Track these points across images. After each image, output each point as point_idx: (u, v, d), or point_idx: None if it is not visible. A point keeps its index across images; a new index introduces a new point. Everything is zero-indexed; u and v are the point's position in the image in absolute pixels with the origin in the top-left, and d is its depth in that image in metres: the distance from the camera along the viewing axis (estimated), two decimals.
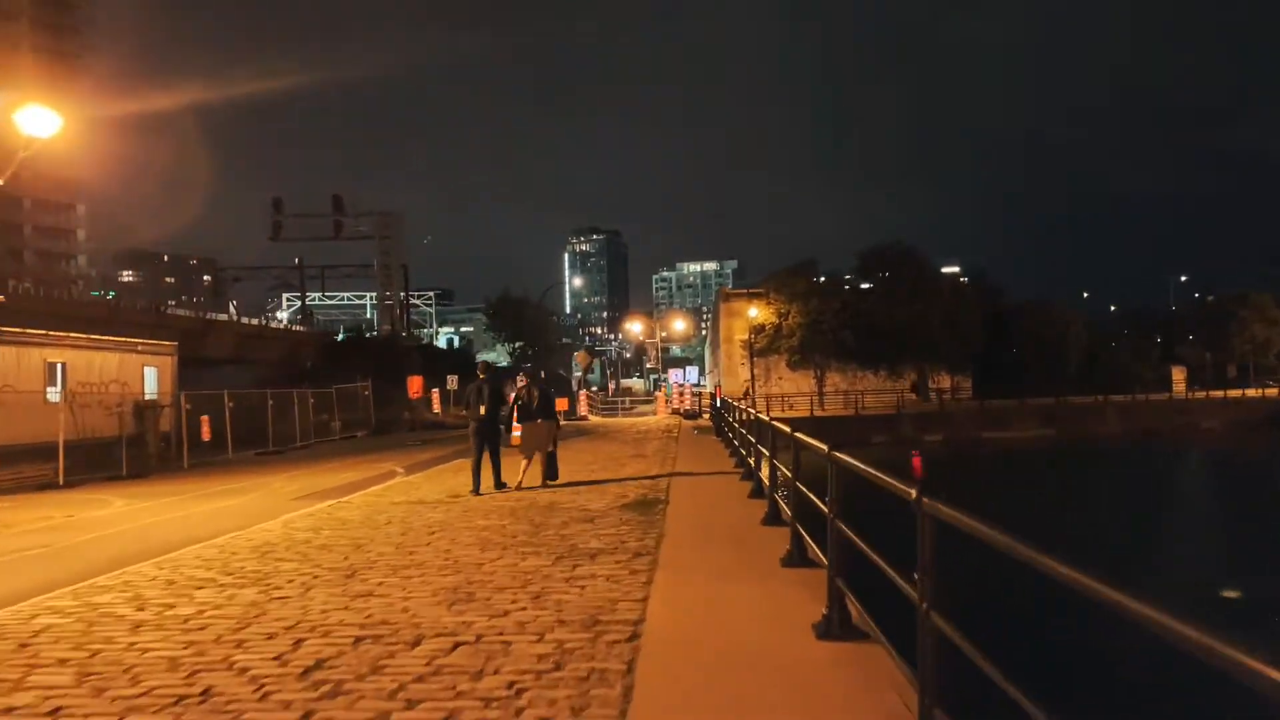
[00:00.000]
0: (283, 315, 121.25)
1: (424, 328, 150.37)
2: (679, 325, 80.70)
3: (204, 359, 51.35)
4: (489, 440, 13.02)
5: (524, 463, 13.15)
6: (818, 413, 48.65)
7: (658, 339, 61.69)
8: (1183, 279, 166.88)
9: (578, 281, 72.08)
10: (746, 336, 60.79)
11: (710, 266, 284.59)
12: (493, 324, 76.75)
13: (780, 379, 63.11)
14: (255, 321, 55.27)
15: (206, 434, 31.19)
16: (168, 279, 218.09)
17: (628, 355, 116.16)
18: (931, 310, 57.57)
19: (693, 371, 35.79)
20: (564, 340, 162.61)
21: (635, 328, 70.10)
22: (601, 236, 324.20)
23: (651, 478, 13.81)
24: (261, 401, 31.36)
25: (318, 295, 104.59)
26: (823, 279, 60.04)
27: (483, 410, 12.86)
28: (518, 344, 73.88)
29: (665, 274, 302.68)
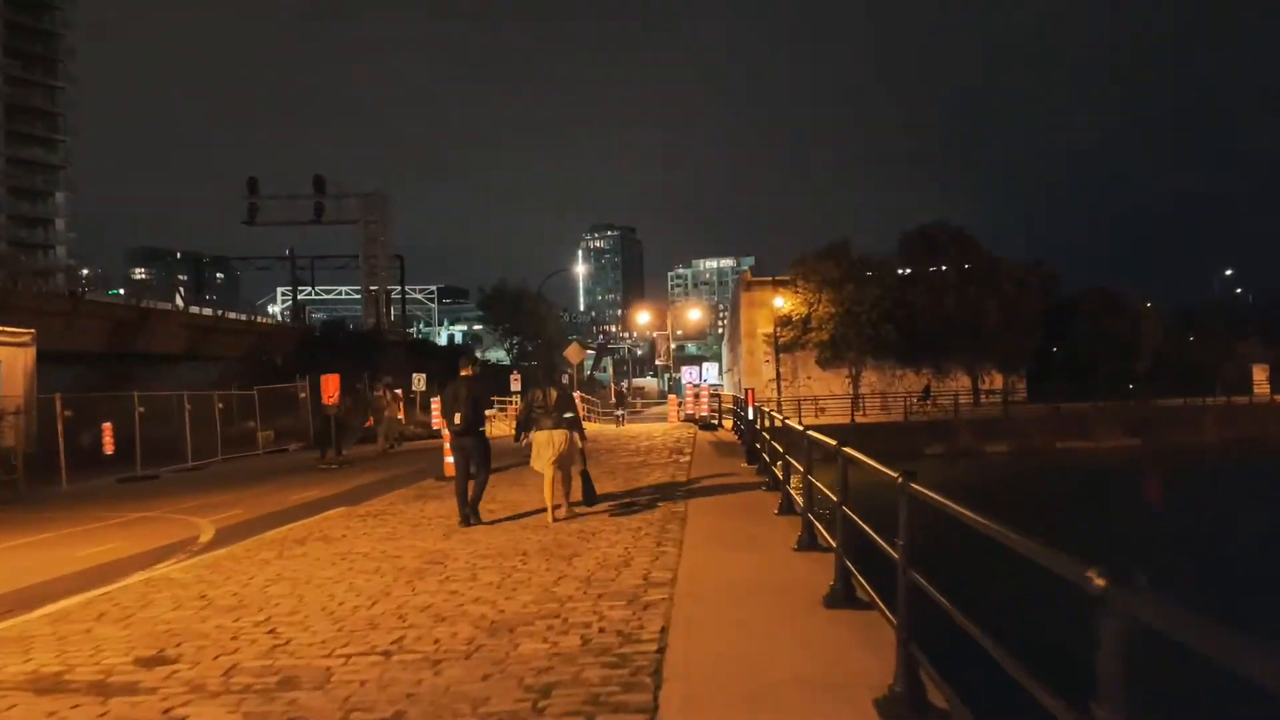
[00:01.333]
0: (275, 309, 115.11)
1: (429, 325, 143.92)
2: (694, 315, 72.77)
3: (146, 355, 44.56)
4: (473, 455, 10.17)
5: (548, 483, 10.06)
6: (858, 418, 41.28)
7: (669, 330, 54.03)
8: (1228, 273, 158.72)
9: (581, 269, 64.44)
10: (771, 330, 53.42)
11: (727, 263, 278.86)
12: (487, 316, 69.80)
13: (808, 379, 55.69)
14: (209, 312, 48.35)
15: (109, 446, 24.52)
16: (180, 276, 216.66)
17: (640, 352, 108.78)
18: (987, 299, 50.02)
19: (711, 369, 28.29)
20: (572, 337, 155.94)
21: (644, 318, 62.59)
22: (616, 233, 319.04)
23: (631, 589, 6.53)
24: (165, 406, 24.54)
25: (311, 289, 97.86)
26: (858, 263, 52.45)
27: (458, 418, 10.11)
28: (515, 339, 66.85)
29: (681, 271, 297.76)
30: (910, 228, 55.60)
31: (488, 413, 31.34)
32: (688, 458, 17.43)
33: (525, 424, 10.22)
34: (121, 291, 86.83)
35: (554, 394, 10.12)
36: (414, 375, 32.92)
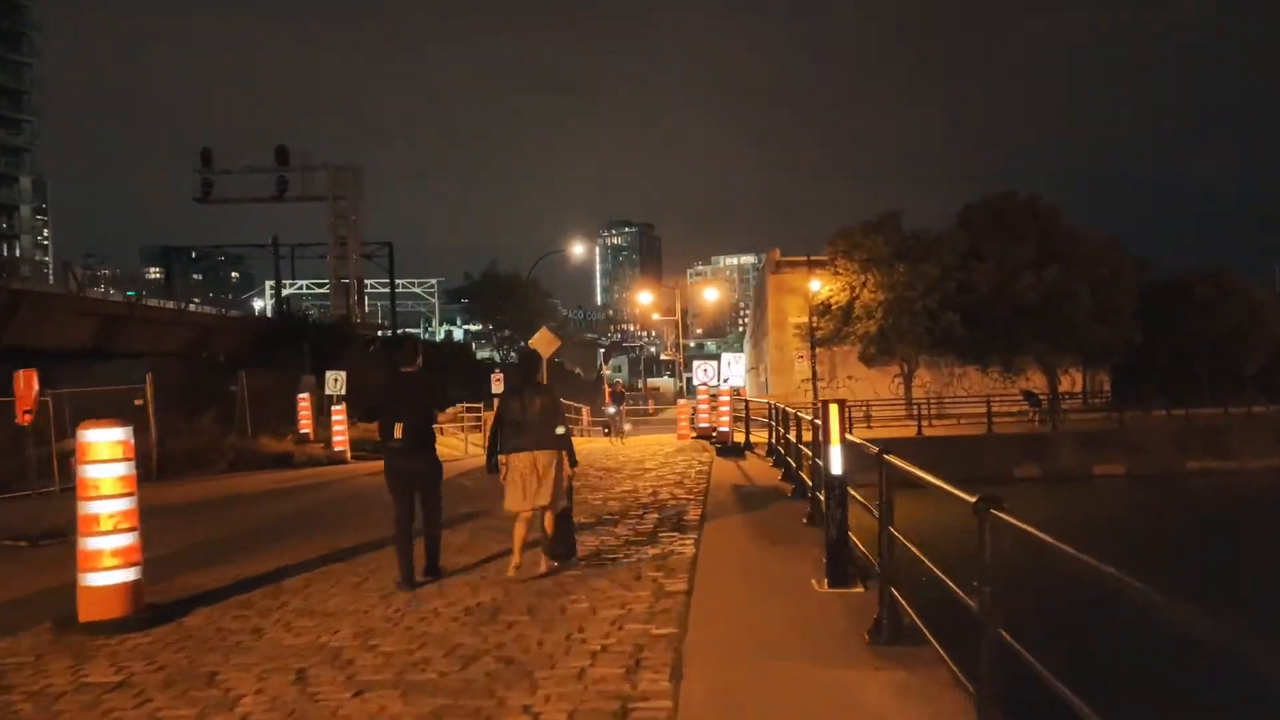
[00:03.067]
0: (261, 304, 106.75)
1: (446, 324, 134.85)
2: (710, 295, 63.06)
3: (30, 350, 36.04)
4: (420, 484, 7.16)
5: (517, 526, 7.14)
6: (925, 430, 32.12)
7: (679, 316, 44.77)
8: None
9: (578, 249, 55.83)
10: (805, 319, 44.31)
11: (748, 260, 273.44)
12: (475, 306, 61.11)
13: (849, 379, 46.51)
14: (116, 297, 39.84)
15: None
16: (195, 275, 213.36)
17: (655, 349, 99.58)
18: (1074, 282, 40.67)
19: (735, 363, 19.36)
20: (589, 336, 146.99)
21: (646, 298, 53.03)
22: (634, 229, 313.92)
23: None
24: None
25: (293, 282, 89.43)
26: (912, 239, 43.13)
27: (398, 430, 7.01)
28: (506, 332, 58.09)
29: (700, 268, 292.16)
30: (974, 199, 46.26)
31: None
32: (688, 544, 8.36)
33: (508, 443, 7.17)
34: (143, 293, 78.22)
35: (536, 401, 7.21)
36: (328, 374, 23.99)
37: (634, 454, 19.25)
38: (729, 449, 17.48)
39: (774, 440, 16.76)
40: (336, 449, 20.88)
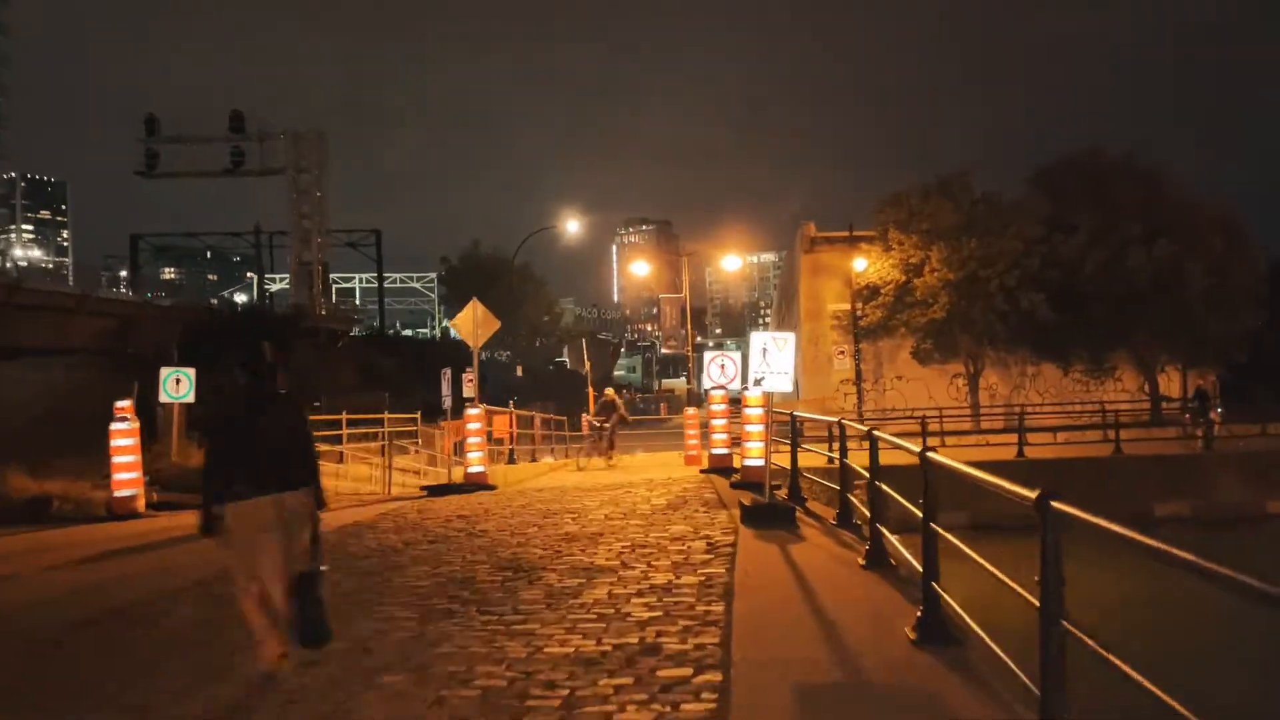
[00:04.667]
0: (244, 299, 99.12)
1: (436, 319, 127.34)
2: (730, 264, 54.23)
3: None
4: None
5: (246, 603, 4.75)
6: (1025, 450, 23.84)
7: (685, 290, 36.40)
8: None
9: (573, 226, 48.10)
10: (847, 306, 36.09)
11: (768, 258, 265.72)
12: (453, 294, 53.39)
13: (898, 379, 38.37)
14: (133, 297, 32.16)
15: None
16: (210, 275, 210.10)
17: (665, 351, 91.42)
18: (1187, 260, 32.30)
19: (779, 351, 12.33)
20: (601, 335, 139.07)
21: (642, 270, 44.65)
22: (651, 226, 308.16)
23: None
24: None
25: (273, 275, 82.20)
26: (982, 203, 34.71)
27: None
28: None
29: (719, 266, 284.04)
30: (1048, 160, 37.88)
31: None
32: None
33: (214, 483, 4.77)
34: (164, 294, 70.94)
35: (268, 417, 4.81)
36: (164, 372, 15.93)
37: (600, 505, 11.19)
38: (766, 511, 9.25)
39: (847, 492, 8.67)
40: (119, 495, 12.83)
